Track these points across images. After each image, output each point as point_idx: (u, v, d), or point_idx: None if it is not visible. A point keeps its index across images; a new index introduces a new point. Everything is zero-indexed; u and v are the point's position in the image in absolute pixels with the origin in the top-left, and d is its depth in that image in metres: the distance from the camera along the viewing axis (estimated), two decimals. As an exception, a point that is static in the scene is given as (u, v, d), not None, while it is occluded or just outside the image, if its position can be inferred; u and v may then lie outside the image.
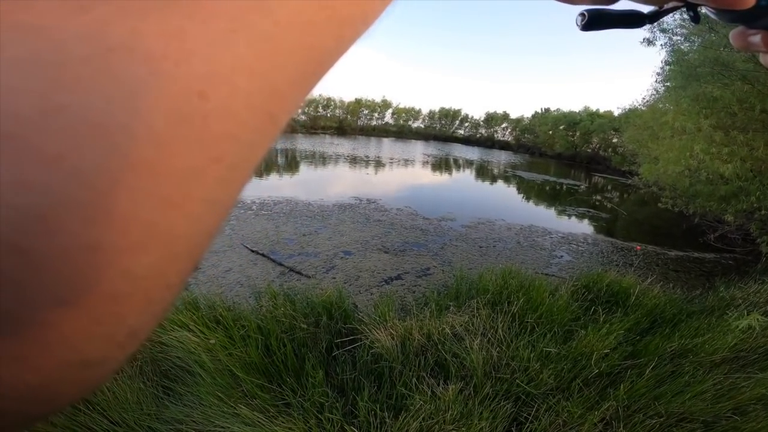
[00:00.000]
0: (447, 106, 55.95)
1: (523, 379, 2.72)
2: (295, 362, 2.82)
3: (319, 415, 2.29)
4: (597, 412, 2.44)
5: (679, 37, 9.27)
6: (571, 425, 2.35)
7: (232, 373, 2.58)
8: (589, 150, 36.08)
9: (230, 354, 2.72)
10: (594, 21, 0.34)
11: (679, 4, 0.33)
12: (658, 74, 13.01)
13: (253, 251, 6.73)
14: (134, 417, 2.32)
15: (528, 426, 2.36)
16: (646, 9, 0.35)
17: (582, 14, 0.34)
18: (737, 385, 2.82)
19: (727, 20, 0.33)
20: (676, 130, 9.68)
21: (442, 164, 26.10)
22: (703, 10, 0.34)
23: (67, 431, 2.17)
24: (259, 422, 2.17)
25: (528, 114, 49.55)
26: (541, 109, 46.11)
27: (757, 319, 3.81)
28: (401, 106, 55.52)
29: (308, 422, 2.20)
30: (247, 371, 2.62)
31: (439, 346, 3.08)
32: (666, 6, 0.34)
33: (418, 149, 35.99)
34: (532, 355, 2.94)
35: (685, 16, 0.34)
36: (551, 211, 13.36)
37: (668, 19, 8.77)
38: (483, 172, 24.54)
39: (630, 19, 0.35)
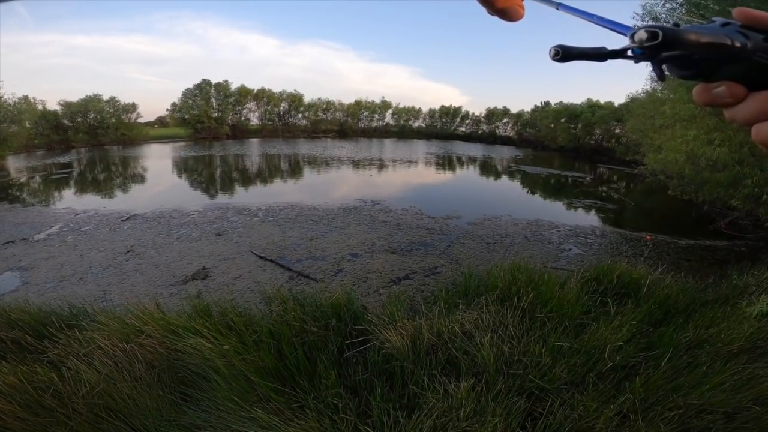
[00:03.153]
0: (447, 104, 55.82)
1: (536, 374, 2.71)
2: (307, 365, 2.84)
3: (333, 416, 2.31)
4: (613, 405, 2.43)
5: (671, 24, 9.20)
6: (587, 419, 2.34)
7: (247, 377, 2.60)
8: (592, 142, 35.75)
9: (244, 359, 2.74)
10: (565, 55, 0.39)
11: (631, 49, 0.37)
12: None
13: (261, 257, 6.77)
14: (155, 424, 2.35)
15: (543, 421, 2.35)
16: (609, 47, 0.39)
17: (556, 50, 0.39)
18: (756, 375, 2.77)
19: (687, 77, 0.35)
20: (674, 118, 9.61)
21: (445, 162, 26.05)
22: (665, 67, 0.36)
23: (89, 439, 2.21)
24: (275, 425, 2.19)
25: (528, 108, 49.07)
26: (541, 102, 45.82)
27: (768, 302, 3.76)
28: (401, 106, 55.56)
29: (323, 423, 2.22)
30: (261, 375, 2.64)
31: (450, 344, 3.08)
32: (629, 55, 0.38)
33: (420, 148, 35.94)
34: (543, 350, 2.93)
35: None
36: (557, 205, 13.28)
37: (659, 7, 8.78)
38: (486, 168, 24.45)
39: (595, 54, 0.40)
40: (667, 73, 0.37)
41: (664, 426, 2.29)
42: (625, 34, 0.37)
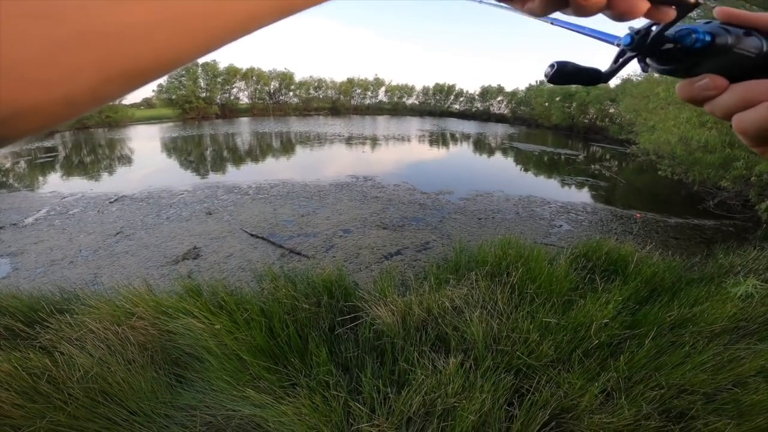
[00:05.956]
0: (441, 82, 54.93)
1: (524, 351, 2.76)
2: (299, 343, 2.86)
3: (325, 393, 2.35)
4: (598, 383, 2.48)
5: None
6: (572, 396, 2.40)
7: (239, 356, 2.62)
8: (586, 120, 35.69)
9: (236, 338, 2.76)
10: (560, 73, 0.39)
11: (632, 54, 0.38)
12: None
13: (252, 235, 6.74)
14: (150, 406, 2.37)
15: (529, 398, 2.40)
16: (603, 68, 0.40)
17: (551, 65, 0.39)
18: (737, 356, 2.84)
19: (669, 72, 0.37)
20: (668, 101, 9.60)
21: (438, 139, 25.84)
22: (648, 60, 0.37)
23: (88, 423, 2.23)
24: (267, 404, 2.23)
25: (523, 87, 48.65)
26: (536, 81, 45.26)
27: (754, 284, 3.83)
28: (394, 83, 54.57)
29: (314, 400, 2.26)
30: (253, 354, 2.66)
31: (439, 320, 3.12)
32: (620, 60, 0.39)
33: (414, 125, 35.54)
34: (531, 327, 2.97)
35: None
36: (550, 181, 13.31)
37: None
38: (480, 145, 24.30)
39: (590, 76, 0.40)
40: (649, 68, 0.38)
41: (645, 405, 2.35)
42: (613, 43, 0.38)
